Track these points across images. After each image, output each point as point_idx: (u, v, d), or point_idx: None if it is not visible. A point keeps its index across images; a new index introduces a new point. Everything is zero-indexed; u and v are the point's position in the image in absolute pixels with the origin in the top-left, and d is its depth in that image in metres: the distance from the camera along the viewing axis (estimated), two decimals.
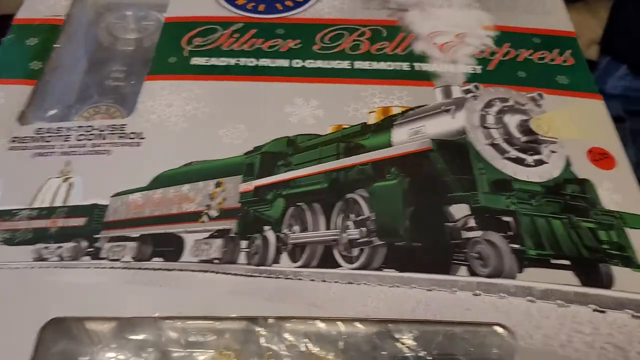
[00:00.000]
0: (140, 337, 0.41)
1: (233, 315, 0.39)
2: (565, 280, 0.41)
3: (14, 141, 0.49)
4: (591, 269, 0.42)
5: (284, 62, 0.55)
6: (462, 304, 0.39)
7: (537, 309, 0.39)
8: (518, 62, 0.57)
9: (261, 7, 0.61)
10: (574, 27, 0.77)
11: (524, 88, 0.52)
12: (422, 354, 0.39)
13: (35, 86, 0.54)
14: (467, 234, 0.44)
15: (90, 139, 0.49)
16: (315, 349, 0.39)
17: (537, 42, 0.59)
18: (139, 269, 0.42)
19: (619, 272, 0.42)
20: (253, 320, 0.40)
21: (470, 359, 0.40)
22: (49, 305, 0.39)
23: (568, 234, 0.43)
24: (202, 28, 0.59)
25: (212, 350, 0.40)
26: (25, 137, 0.50)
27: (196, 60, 0.56)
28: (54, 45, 0.58)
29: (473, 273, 0.42)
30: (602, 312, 0.39)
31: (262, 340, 0.40)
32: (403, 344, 0.39)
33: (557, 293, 0.40)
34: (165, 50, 0.57)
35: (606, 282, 0.42)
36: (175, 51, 0.56)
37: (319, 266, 0.45)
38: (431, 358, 0.39)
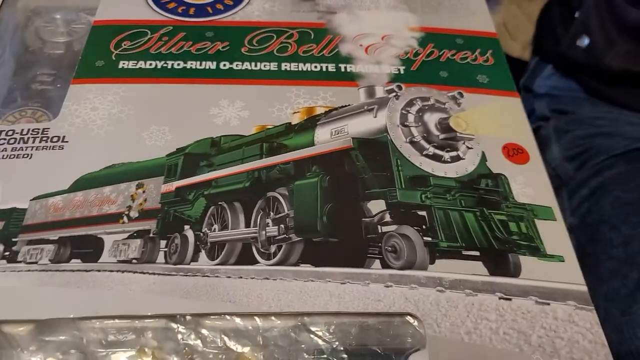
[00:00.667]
0: (60, 338, 0.41)
1: (150, 314, 0.40)
2: (474, 270, 0.43)
3: None
4: (500, 259, 0.44)
5: (211, 64, 0.56)
6: (374, 296, 0.41)
7: (446, 299, 0.41)
8: (441, 62, 0.59)
9: (192, 11, 0.62)
10: (512, 30, 0.79)
11: (446, 87, 0.54)
12: (336, 345, 0.40)
13: None
14: (382, 229, 0.45)
15: (10, 143, 0.49)
16: (231, 344, 0.40)
17: (460, 43, 0.61)
18: (57, 270, 0.42)
19: (526, 262, 0.44)
20: (172, 318, 0.40)
21: (384, 348, 0.41)
22: None
23: (480, 226, 0.45)
24: (131, 32, 0.59)
25: (132, 349, 0.41)
26: None
27: (124, 64, 0.56)
28: None
29: (386, 266, 0.43)
30: (508, 299, 0.41)
31: (180, 337, 0.40)
32: (319, 336, 0.41)
33: (465, 283, 0.42)
34: (92, 53, 0.57)
35: (514, 271, 0.44)
36: (103, 54, 0.56)
37: (236, 263, 0.46)
38: (344, 349, 0.40)
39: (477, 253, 0.44)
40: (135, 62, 0.56)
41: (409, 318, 0.41)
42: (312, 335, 0.41)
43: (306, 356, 0.41)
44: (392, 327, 0.41)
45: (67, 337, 0.41)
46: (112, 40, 0.58)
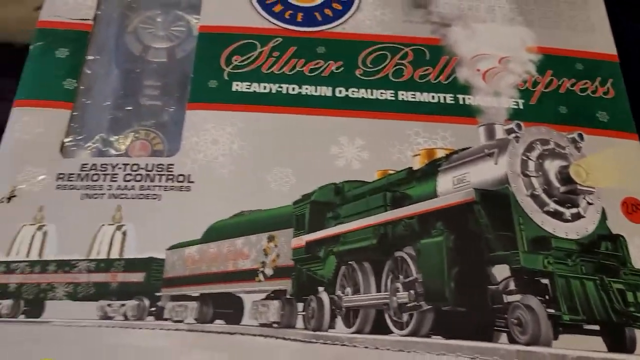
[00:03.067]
0: None
1: None
2: (594, 345, 0.45)
3: (60, 178, 0.49)
4: (617, 333, 0.46)
5: (326, 90, 0.54)
6: None
7: None
8: (560, 94, 0.57)
9: (299, 17, 0.59)
10: None
11: (565, 128, 0.53)
12: None
13: (72, 110, 0.53)
14: (507, 298, 0.46)
15: (138, 180, 0.49)
16: None
17: (580, 69, 0.58)
18: (202, 331, 0.44)
19: None
20: None
21: None
22: None
23: (599, 296, 0.46)
24: (240, 43, 0.56)
25: None
26: (71, 174, 0.49)
27: (237, 86, 0.54)
28: (86, 58, 0.56)
29: (512, 339, 0.45)
30: None
31: None
32: None
33: None
34: (203, 71, 0.55)
35: (629, 347, 0.45)
36: (215, 73, 0.55)
37: (372, 331, 0.47)
38: None
39: (596, 327, 0.46)
40: (249, 84, 0.54)
41: None
42: None
43: None
44: None
45: None
46: (221, 54, 0.56)
